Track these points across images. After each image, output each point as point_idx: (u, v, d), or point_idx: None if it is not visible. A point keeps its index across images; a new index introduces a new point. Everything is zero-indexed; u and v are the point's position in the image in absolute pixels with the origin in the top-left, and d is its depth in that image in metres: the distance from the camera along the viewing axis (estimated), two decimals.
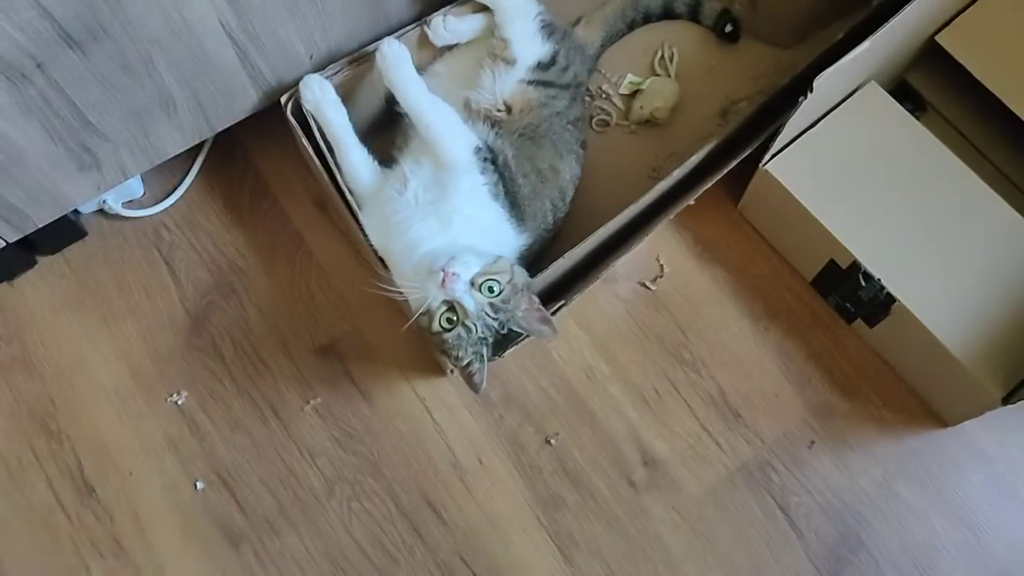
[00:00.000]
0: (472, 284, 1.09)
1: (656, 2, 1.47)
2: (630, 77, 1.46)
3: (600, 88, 1.46)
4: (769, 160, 1.29)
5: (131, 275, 1.37)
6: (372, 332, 1.35)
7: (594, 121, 1.44)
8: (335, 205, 1.25)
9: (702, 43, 1.49)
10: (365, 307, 1.36)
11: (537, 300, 1.12)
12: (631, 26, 1.47)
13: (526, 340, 1.19)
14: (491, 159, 1.19)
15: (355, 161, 1.25)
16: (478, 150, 1.18)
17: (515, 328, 1.11)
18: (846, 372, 1.34)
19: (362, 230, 1.21)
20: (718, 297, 1.38)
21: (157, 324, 1.35)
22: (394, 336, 1.34)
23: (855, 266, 1.25)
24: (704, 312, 1.37)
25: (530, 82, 1.27)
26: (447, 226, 1.15)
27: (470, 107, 1.26)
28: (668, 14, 1.48)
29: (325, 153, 1.23)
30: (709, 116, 1.42)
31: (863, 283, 1.25)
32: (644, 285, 1.38)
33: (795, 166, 1.28)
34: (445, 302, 1.09)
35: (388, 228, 1.19)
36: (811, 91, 1.12)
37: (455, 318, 1.09)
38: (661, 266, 1.39)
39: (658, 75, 1.46)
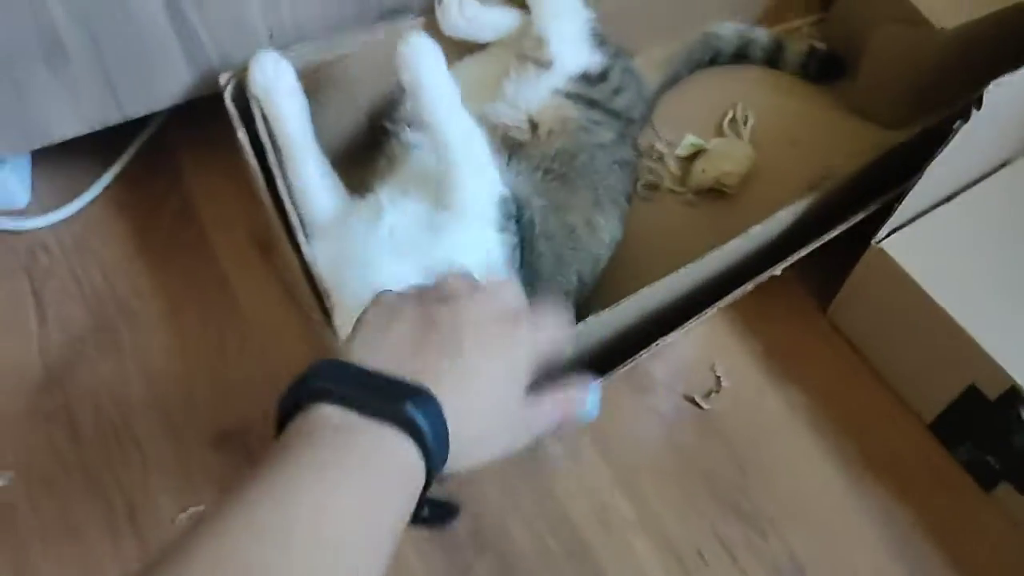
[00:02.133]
0: None
1: (729, 43, 1.16)
2: (690, 138, 1.12)
3: (651, 146, 1.12)
4: (885, 238, 0.92)
5: None
6: None
7: (639, 184, 1.08)
8: (271, 224, 0.88)
9: (784, 109, 1.16)
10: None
11: None
12: (694, 67, 1.16)
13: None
14: (516, 217, 0.83)
15: (311, 176, 0.89)
16: (503, 202, 0.82)
17: None
18: (981, 560, 0.90)
19: (301, 261, 0.84)
20: (795, 428, 0.97)
21: None
22: None
23: (1013, 396, 0.85)
24: (774, 447, 0.96)
25: (569, 94, 0.93)
26: (424, 271, 0.77)
27: (483, 127, 0.91)
28: (740, 58, 1.17)
29: (267, 150, 0.88)
30: (792, 192, 1.07)
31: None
32: (693, 401, 0.98)
33: (921, 248, 0.91)
34: None
35: (343, 261, 0.82)
36: (977, 107, 0.77)
37: None
38: (718, 378, 0.99)
39: (726, 138, 1.13)
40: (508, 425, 0.58)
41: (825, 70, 1.18)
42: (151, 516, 0.88)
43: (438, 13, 0.95)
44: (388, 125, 0.95)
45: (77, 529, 0.87)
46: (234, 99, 0.90)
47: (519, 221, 0.84)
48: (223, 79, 0.90)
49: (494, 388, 0.55)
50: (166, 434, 0.93)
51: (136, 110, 0.93)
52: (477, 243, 0.81)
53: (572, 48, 0.95)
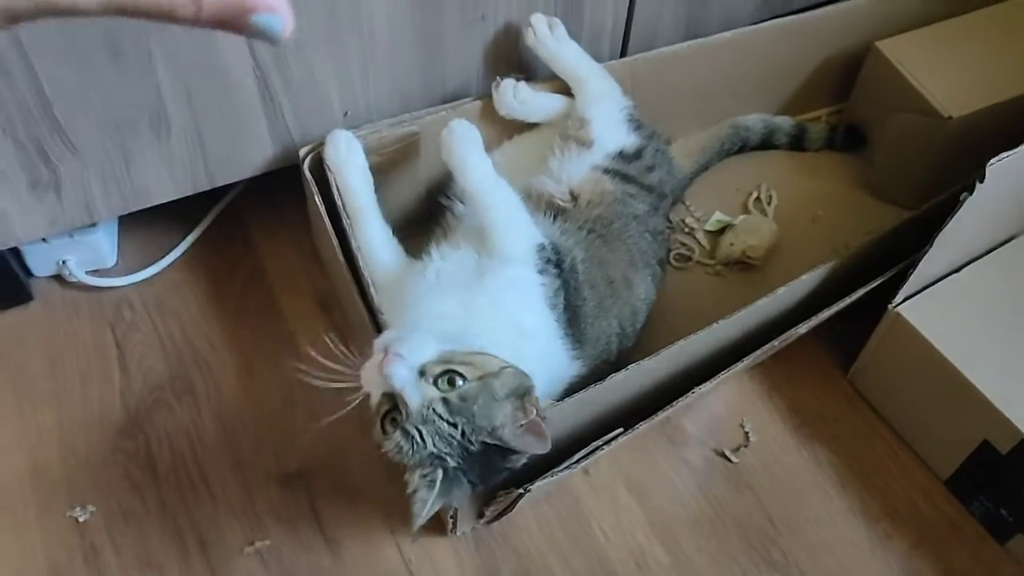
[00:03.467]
0: (424, 374, 0.78)
1: (756, 132, 1.26)
2: (718, 215, 1.22)
3: (683, 221, 1.22)
4: (901, 303, 1.00)
5: (70, 354, 1.08)
6: (359, 466, 1.01)
7: (672, 255, 1.18)
8: (338, 280, 0.98)
9: (804, 189, 1.25)
10: (355, 432, 1.03)
11: (535, 411, 0.80)
12: (724, 155, 1.26)
13: (551, 479, 0.85)
14: (555, 261, 0.93)
15: (375, 238, 0.99)
16: (541, 248, 0.92)
17: (490, 440, 0.78)
18: None
19: (370, 310, 0.93)
20: (821, 484, 1.03)
21: (84, 417, 1.03)
22: (389, 474, 1.00)
23: (1023, 449, 0.91)
24: (802, 501, 1.02)
25: (607, 170, 1.03)
26: (467, 308, 0.86)
27: (530, 194, 1.02)
28: (767, 144, 1.28)
29: (343, 216, 0.98)
30: (812, 266, 1.15)
31: None
32: (723, 455, 1.04)
33: (934, 313, 0.99)
34: (386, 395, 0.79)
35: (397, 305, 0.91)
36: (981, 181, 0.86)
37: (400, 419, 0.78)
38: (746, 434, 1.06)
39: (751, 215, 1.22)
40: None
41: (850, 140, 1.28)
42: (221, 547, 0.95)
43: (495, 96, 1.07)
44: (444, 201, 1.05)
45: (151, 560, 0.94)
46: (311, 170, 1.01)
47: (559, 266, 0.93)
48: (303, 152, 1.01)
49: None
50: (235, 474, 1.00)
51: (223, 178, 1.04)
52: (517, 281, 0.90)
53: (611, 130, 1.05)
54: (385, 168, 1.05)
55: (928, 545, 0.99)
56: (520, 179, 1.04)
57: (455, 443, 0.77)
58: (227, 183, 1.06)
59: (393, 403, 0.79)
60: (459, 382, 0.78)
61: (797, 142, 1.28)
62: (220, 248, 1.18)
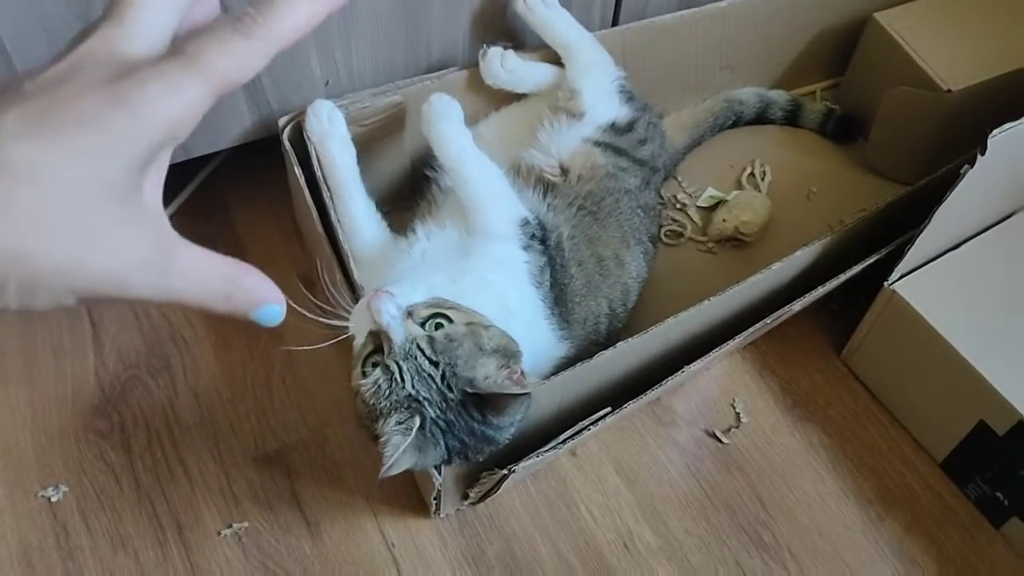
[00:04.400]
0: (411, 315, 0.77)
1: (750, 106, 1.23)
2: (711, 190, 1.19)
3: (674, 197, 1.19)
4: (897, 280, 0.97)
5: (43, 330, 1.05)
6: (340, 445, 0.99)
7: (663, 231, 1.15)
8: (321, 256, 0.95)
9: (799, 165, 1.23)
10: (337, 412, 1.01)
11: (520, 373, 0.78)
12: (718, 130, 1.23)
13: (536, 459, 0.82)
14: (540, 237, 0.90)
15: (357, 214, 0.96)
16: (525, 223, 0.90)
17: (471, 389, 0.75)
18: None
19: (349, 286, 0.90)
20: (813, 466, 1.01)
21: (56, 395, 1.00)
22: (370, 454, 0.97)
23: (1021, 430, 0.89)
24: (793, 483, 0.99)
25: (597, 143, 1.00)
26: (453, 287, 0.83)
27: (519, 168, 0.99)
28: (761, 119, 1.24)
29: (322, 189, 0.95)
30: (806, 243, 1.12)
31: None
32: (713, 435, 1.02)
33: (931, 291, 0.96)
34: (371, 335, 0.77)
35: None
36: (982, 153, 0.83)
37: (381, 359, 0.76)
38: (737, 414, 1.04)
39: (745, 190, 1.19)
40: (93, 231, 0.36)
41: (841, 130, 1.25)
42: (197, 530, 0.92)
43: (481, 65, 1.03)
44: (429, 173, 1.02)
45: (125, 542, 0.91)
46: (290, 140, 0.98)
47: (544, 243, 0.90)
48: (282, 122, 0.98)
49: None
50: (212, 454, 0.97)
51: (200, 149, 1.01)
52: (502, 259, 0.88)
53: (602, 101, 1.02)
54: (368, 140, 1.02)
55: (921, 528, 0.97)
56: (509, 152, 1.01)
57: (434, 387, 0.75)
58: (204, 154, 1.02)
59: (377, 344, 0.77)
60: (446, 325, 0.77)
61: (792, 118, 1.25)
62: (198, 221, 1.15)
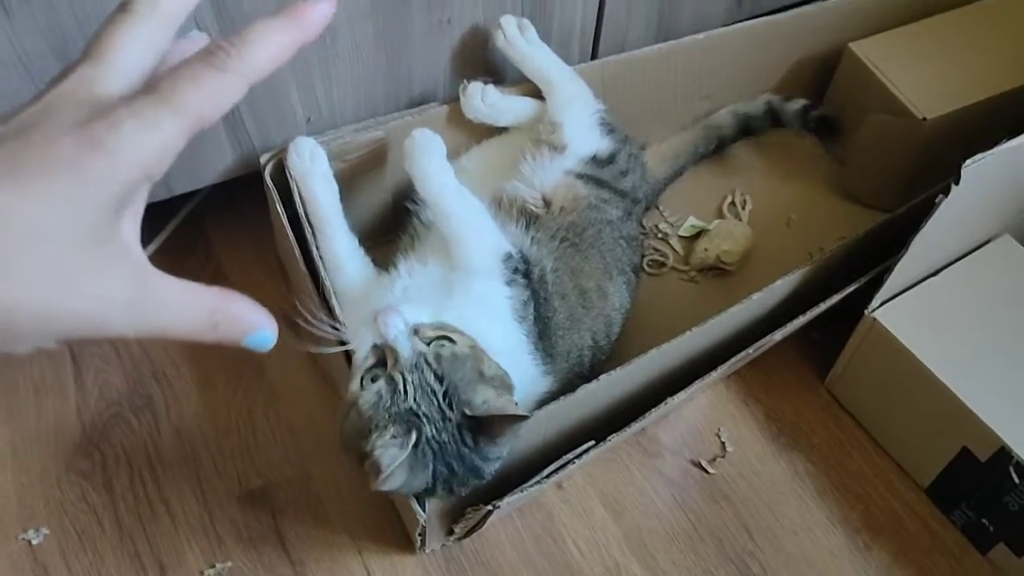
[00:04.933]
0: (417, 333, 0.79)
1: (729, 127, 1.22)
2: (692, 220, 1.20)
3: (656, 227, 1.20)
4: (877, 307, 0.98)
5: (23, 369, 1.04)
6: (324, 482, 0.98)
7: (646, 261, 1.15)
8: (304, 294, 0.95)
9: (778, 193, 1.24)
10: (320, 449, 1.00)
11: (514, 401, 0.78)
12: (700, 158, 1.23)
13: (521, 494, 0.82)
14: (523, 271, 0.90)
15: (340, 250, 0.96)
16: (508, 258, 0.90)
17: (469, 412, 0.75)
18: None
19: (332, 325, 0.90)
20: (799, 494, 1.01)
21: (38, 434, 0.99)
22: (354, 490, 0.97)
23: (1003, 456, 0.89)
24: (780, 512, 0.99)
25: (580, 175, 1.01)
26: (439, 319, 0.83)
27: (501, 201, 0.99)
28: (744, 133, 1.24)
29: (304, 225, 0.95)
30: (787, 271, 1.12)
31: (1016, 481, 0.89)
32: (699, 465, 1.02)
33: (911, 318, 0.97)
34: (374, 348, 0.79)
35: (361, 320, 0.88)
36: (956, 183, 0.84)
37: (381, 375, 0.77)
38: (723, 444, 1.04)
39: (726, 219, 1.20)
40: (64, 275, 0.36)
41: (824, 125, 1.22)
42: (180, 571, 0.91)
43: (462, 100, 1.04)
44: (410, 206, 1.02)
45: None
46: (272, 178, 0.98)
47: (528, 276, 0.91)
48: (264, 159, 0.98)
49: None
50: (195, 493, 0.97)
51: (182, 186, 1.01)
52: (485, 296, 0.88)
53: (583, 134, 1.03)
54: (350, 175, 1.02)
55: (909, 556, 0.97)
56: (491, 184, 1.01)
57: (435, 404, 0.75)
58: (186, 192, 1.03)
59: (379, 358, 0.78)
60: (449, 345, 0.78)
61: (774, 121, 1.23)
62: (181, 259, 1.15)
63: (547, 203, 0.99)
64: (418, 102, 1.06)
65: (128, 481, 0.97)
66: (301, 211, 0.95)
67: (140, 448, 0.99)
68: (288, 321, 1.10)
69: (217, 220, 1.18)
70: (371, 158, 1.04)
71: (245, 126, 0.98)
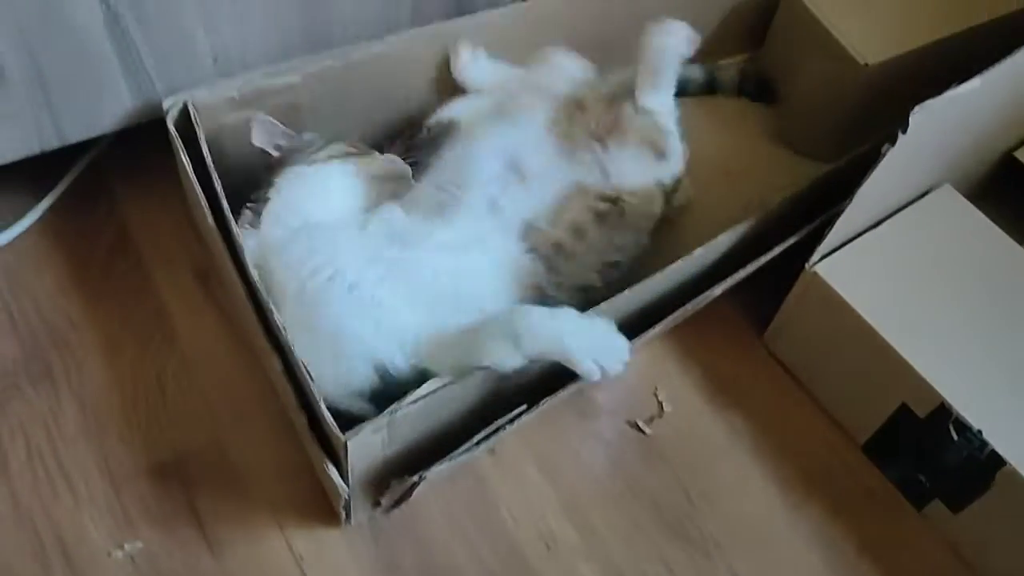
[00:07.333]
0: None
1: None
2: None
3: None
4: (818, 262, 0.95)
5: None
6: (241, 451, 0.92)
7: None
8: (212, 251, 0.87)
9: (716, 142, 1.19)
10: (236, 416, 0.94)
11: None
12: None
13: (449, 463, 0.78)
14: None
15: None
16: None
17: None
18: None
19: (246, 285, 0.83)
20: (736, 453, 0.99)
21: None
22: (274, 460, 0.91)
23: (942, 413, 0.88)
24: (718, 472, 0.97)
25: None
26: None
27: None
28: (680, 94, 1.20)
29: (212, 175, 0.87)
30: (727, 221, 1.09)
31: (954, 438, 0.87)
32: (636, 426, 0.99)
33: (851, 272, 0.94)
34: None
35: None
36: (903, 131, 0.81)
37: None
38: (660, 404, 1.01)
39: None
40: None
41: (761, 89, 1.22)
42: (84, 549, 0.85)
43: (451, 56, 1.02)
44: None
45: (6, 567, 0.84)
46: (176, 124, 0.90)
47: None
48: (167, 104, 0.90)
49: None
50: (100, 468, 0.90)
51: (76, 134, 0.92)
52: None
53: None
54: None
55: (844, 512, 0.95)
56: None
57: None
58: (83, 140, 0.94)
59: None
60: None
61: (710, 87, 1.22)
62: (81, 214, 1.05)
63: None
64: (348, 38, 0.98)
65: (25, 456, 0.89)
66: (208, 159, 0.88)
67: (38, 421, 0.92)
68: (202, 277, 1.04)
69: (122, 173, 1.09)
70: (283, 104, 0.97)
71: (145, 67, 0.90)
